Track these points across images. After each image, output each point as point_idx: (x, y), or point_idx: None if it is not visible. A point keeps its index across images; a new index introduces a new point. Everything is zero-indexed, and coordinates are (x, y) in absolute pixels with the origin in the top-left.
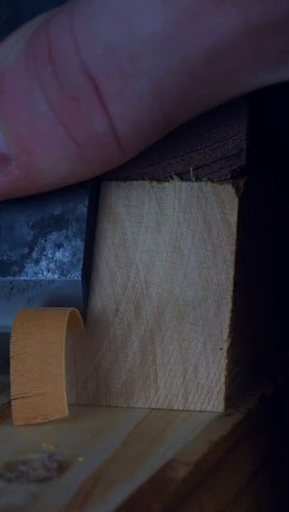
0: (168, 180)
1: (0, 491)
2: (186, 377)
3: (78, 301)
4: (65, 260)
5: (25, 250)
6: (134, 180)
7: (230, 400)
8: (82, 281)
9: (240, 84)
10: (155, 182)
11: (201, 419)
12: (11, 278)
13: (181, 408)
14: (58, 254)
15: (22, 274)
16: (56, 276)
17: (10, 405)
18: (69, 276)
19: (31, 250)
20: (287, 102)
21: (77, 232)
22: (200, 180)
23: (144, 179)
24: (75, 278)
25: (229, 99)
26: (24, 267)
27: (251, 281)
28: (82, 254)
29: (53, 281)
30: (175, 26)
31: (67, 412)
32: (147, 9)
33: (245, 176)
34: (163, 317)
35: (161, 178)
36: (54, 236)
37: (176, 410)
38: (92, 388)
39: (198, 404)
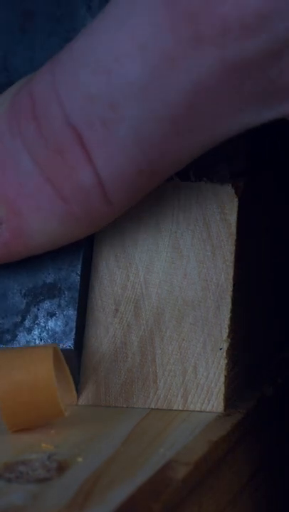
0: (168, 180)
1: (0, 491)
2: (186, 377)
3: (71, 370)
4: (57, 329)
5: (18, 318)
6: None
7: (229, 400)
8: (74, 349)
9: (224, 128)
10: None
11: (201, 419)
12: (3, 346)
13: (180, 408)
14: (51, 323)
15: (14, 342)
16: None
17: None
18: (61, 345)
19: (24, 319)
20: None
21: (70, 301)
22: (200, 181)
23: None
24: (67, 347)
25: (215, 144)
26: (17, 335)
27: (251, 281)
28: (75, 323)
29: None
30: (153, 72)
31: (64, 413)
32: (124, 56)
33: (245, 175)
34: (162, 317)
35: None
36: (46, 305)
37: (175, 410)
38: (91, 388)
39: (197, 404)
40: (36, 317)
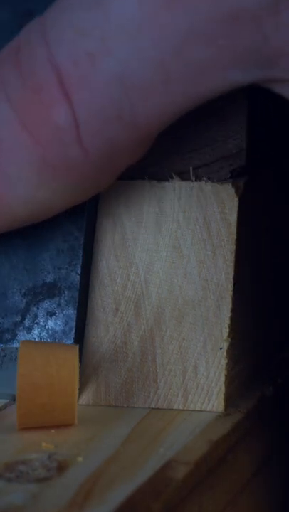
0: (168, 180)
1: (0, 491)
2: (186, 376)
3: None
4: (57, 329)
5: (18, 318)
6: (134, 180)
7: (230, 399)
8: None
9: (211, 83)
10: (155, 182)
11: (201, 418)
12: (3, 346)
13: (180, 408)
14: (51, 323)
15: (14, 342)
16: None
17: (10, 405)
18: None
19: (24, 318)
20: (287, 101)
21: (70, 300)
22: (200, 180)
23: (144, 179)
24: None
25: (198, 103)
26: (16, 334)
27: (251, 281)
28: (75, 322)
29: None
30: (150, 11)
31: (76, 420)
32: None
33: (245, 175)
34: (163, 317)
35: (161, 177)
36: (46, 304)
37: (175, 410)
38: (92, 388)
39: (197, 403)
40: (36, 316)
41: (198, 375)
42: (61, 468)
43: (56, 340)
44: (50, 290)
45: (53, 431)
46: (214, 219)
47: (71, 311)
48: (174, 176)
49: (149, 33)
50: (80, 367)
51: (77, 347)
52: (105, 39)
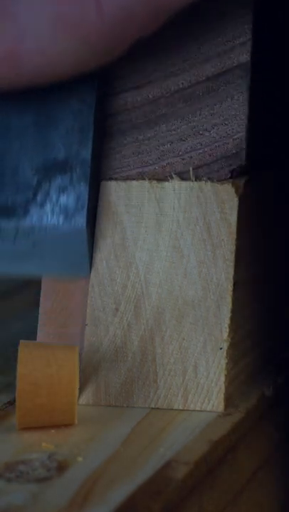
0: (168, 180)
1: (0, 491)
2: (186, 376)
3: (82, 247)
4: (69, 205)
5: (30, 194)
6: (134, 180)
7: (229, 399)
8: (86, 226)
9: None
10: (155, 182)
11: (201, 418)
12: (16, 222)
13: (180, 408)
14: (63, 199)
15: (27, 217)
16: (61, 221)
17: (10, 405)
18: (73, 221)
19: (35, 194)
20: (286, 101)
21: (81, 176)
22: (200, 180)
23: (144, 179)
24: (79, 223)
25: None
26: (29, 210)
27: (251, 281)
28: (87, 199)
29: (58, 225)
30: None
31: (76, 420)
32: None
33: (245, 175)
34: (163, 317)
35: (161, 177)
36: (58, 180)
37: (175, 410)
38: (91, 388)
39: (197, 403)
40: (48, 193)
41: (198, 375)
42: (61, 468)
43: (68, 216)
44: (62, 167)
45: (53, 431)
46: (214, 219)
47: (83, 188)
48: (173, 176)
49: None
50: (92, 247)
51: (77, 347)
52: None
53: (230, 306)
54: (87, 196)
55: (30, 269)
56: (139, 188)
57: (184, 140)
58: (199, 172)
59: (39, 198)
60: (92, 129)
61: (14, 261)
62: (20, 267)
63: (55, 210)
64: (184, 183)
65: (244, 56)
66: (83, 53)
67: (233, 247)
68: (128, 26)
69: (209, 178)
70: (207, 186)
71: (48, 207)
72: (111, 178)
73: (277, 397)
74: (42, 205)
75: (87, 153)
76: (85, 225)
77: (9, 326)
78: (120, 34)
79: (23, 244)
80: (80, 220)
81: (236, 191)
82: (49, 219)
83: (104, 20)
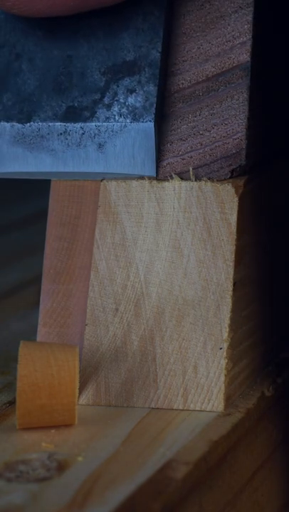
0: (168, 180)
1: (0, 491)
2: (186, 376)
3: (150, 147)
4: (137, 105)
5: (97, 96)
6: (134, 180)
7: (230, 399)
8: (154, 126)
9: None
10: (155, 182)
11: (201, 418)
12: (82, 123)
13: (180, 408)
14: (131, 100)
15: (93, 119)
16: (128, 121)
17: (10, 405)
18: (141, 120)
19: (103, 96)
20: (286, 101)
21: (150, 77)
22: (200, 180)
23: (144, 179)
24: (148, 122)
25: None
26: (95, 112)
27: (251, 281)
28: (155, 99)
29: (125, 125)
30: None
31: (76, 421)
32: None
33: (245, 175)
34: (163, 317)
35: (161, 177)
36: (126, 82)
37: (175, 410)
38: (91, 388)
39: (197, 403)
40: (116, 94)
41: (198, 375)
42: (61, 468)
43: (136, 116)
44: (131, 68)
45: (53, 431)
46: (214, 219)
47: (152, 88)
48: (174, 176)
49: None
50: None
51: (77, 348)
52: None
53: (230, 306)
54: (155, 97)
55: (96, 169)
56: (139, 188)
57: (184, 140)
58: (199, 172)
59: (106, 99)
60: (162, 30)
61: (80, 162)
62: (86, 167)
63: (123, 111)
64: (184, 183)
65: (244, 56)
66: None
67: (233, 247)
68: None
69: (209, 178)
70: (207, 186)
71: (115, 108)
72: (111, 178)
73: (277, 397)
74: (109, 106)
75: (156, 53)
76: (153, 123)
77: (9, 326)
78: None
79: (90, 145)
80: (149, 118)
81: (236, 191)
82: (116, 119)
83: None
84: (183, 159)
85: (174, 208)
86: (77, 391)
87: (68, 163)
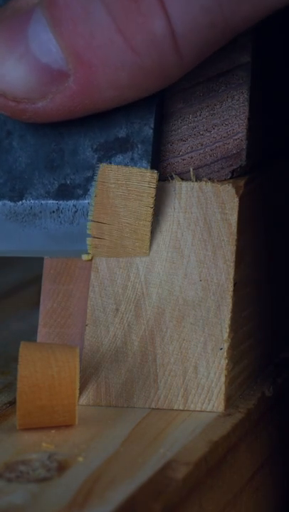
0: (168, 181)
1: (0, 491)
2: (186, 377)
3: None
4: None
5: (89, 173)
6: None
7: (230, 399)
8: None
9: None
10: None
11: (201, 419)
12: (75, 201)
13: (181, 408)
14: None
15: (86, 196)
16: None
17: (10, 405)
18: None
19: (95, 173)
20: (286, 101)
21: (143, 154)
22: (200, 180)
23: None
24: None
25: (277, 7)
26: (88, 189)
27: (251, 281)
28: None
29: None
30: None
31: (76, 421)
32: None
33: (245, 175)
34: (163, 317)
35: (161, 178)
36: (119, 158)
37: (176, 410)
38: (92, 388)
39: (198, 404)
40: None
41: (199, 376)
42: (61, 468)
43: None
44: (123, 145)
45: (53, 431)
46: (214, 219)
47: (145, 165)
48: (174, 176)
49: None
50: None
51: (77, 348)
52: None
53: (230, 306)
54: None
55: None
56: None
57: (184, 140)
58: (200, 172)
59: None
60: (155, 105)
61: (73, 240)
62: (79, 245)
63: None
64: (185, 184)
65: (245, 56)
66: (157, 89)
67: (234, 248)
68: (203, 58)
69: (210, 179)
70: (207, 187)
71: None
72: None
73: (277, 397)
74: None
75: (149, 130)
76: None
77: (9, 326)
78: (197, 61)
79: (83, 223)
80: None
81: (237, 191)
82: None
83: (184, 64)
84: (183, 159)
85: (174, 209)
86: (77, 391)
87: (61, 241)
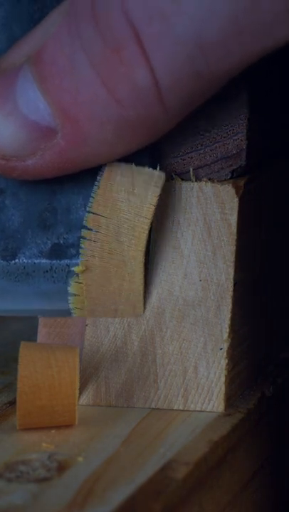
0: (168, 180)
1: (0, 491)
2: (186, 377)
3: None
4: None
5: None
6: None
7: (230, 399)
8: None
9: (279, 34)
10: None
11: (201, 419)
12: (68, 261)
13: (181, 408)
14: None
15: (79, 256)
16: None
17: (10, 405)
18: None
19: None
20: (287, 101)
21: None
22: (200, 181)
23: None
24: None
25: (266, 53)
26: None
27: (251, 282)
28: None
29: None
30: None
31: (76, 421)
32: None
33: (245, 175)
34: (163, 317)
35: None
36: None
37: (176, 410)
38: (92, 388)
39: (198, 404)
40: None
41: (199, 376)
42: (61, 468)
43: None
44: None
45: (53, 431)
46: (214, 219)
47: None
48: (174, 176)
49: None
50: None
51: (77, 349)
52: (177, 0)
53: (230, 306)
54: None
55: None
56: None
57: (184, 140)
58: (199, 172)
59: None
60: (148, 162)
61: (67, 300)
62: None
63: None
64: (184, 184)
65: None
66: (144, 144)
67: (234, 248)
68: (190, 109)
69: (209, 179)
70: (207, 187)
71: None
72: None
73: (277, 397)
74: None
75: None
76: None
77: (9, 326)
78: (182, 117)
79: None
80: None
81: (236, 192)
82: None
83: (169, 115)
84: (183, 160)
85: (174, 209)
86: (77, 392)
87: (54, 301)
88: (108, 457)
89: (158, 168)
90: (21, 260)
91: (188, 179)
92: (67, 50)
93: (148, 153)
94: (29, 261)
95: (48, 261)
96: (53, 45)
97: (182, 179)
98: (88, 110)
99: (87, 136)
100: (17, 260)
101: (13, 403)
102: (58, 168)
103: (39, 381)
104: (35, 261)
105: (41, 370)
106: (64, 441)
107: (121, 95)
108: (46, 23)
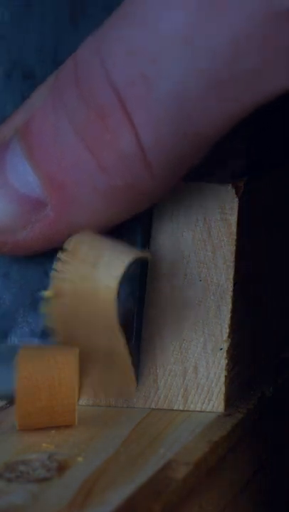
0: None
1: (0, 491)
2: (186, 377)
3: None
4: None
5: None
6: None
7: (230, 400)
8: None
9: (264, 86)
10: None
11: (201, 419)
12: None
13: (181, 408)
14: None
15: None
16: None
17: (10, 405)
18: None
19: None
20: (287, 101)
21: (130, 293)
22: (200, 181)
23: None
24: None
25: (255, 108)
26: None
27: (251, 281)
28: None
29: None
30: (197, 22)
31: (76, 421)
32: (169, 8)
33: (245, 176)
34: (163, 317)
35: None
36: None
37: (176, 410)
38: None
39: (198, 404)
40: None
41: (199, 376)
42: (61, 468)
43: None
44: None
45: (53, 431)
46: (214, 219)
47: (131, 303)
48: None
49: (200, 46)
50: (138, 354)
51: (77, 350)
52: (156, 60)
53: (230, 306)
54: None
55: None
56: None
57: None
58: (199, 173)
59: None
60: (140, 237)
61: None
62: None
63: None
64: (184, 184)
65: None
66: (134, 212)
67: (234, 248)
68: (179, 171)
69: (209, 179)
70: (207, 187)
71: None
72: None
73: (277, 397)
74: None
75: (136, 267)
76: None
77: None
78: (171, 181)
79: None
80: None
81: (236, 192)
82: None
83: (156, 178)
84: None
85: (174, 209)
86: (77, 393)
87: None
88: (108, 457)
89: (148, 247)
90: (13, 341)
91: (189, 179)
92: (53, 118)
93: (140, 230)
94: (21, 341)
95: (40, 340)
96: (39, 116)
97: (182, 179)
98: (73, 174)
99: (75, 206)
100: (9, 341)
101: (13, 403)
102: (48, 241)
103: (39, 382)
104: (27, 341)
105: (41, 371)
106: (64, 441)
107: (106, 162)
108: (34, 96)
